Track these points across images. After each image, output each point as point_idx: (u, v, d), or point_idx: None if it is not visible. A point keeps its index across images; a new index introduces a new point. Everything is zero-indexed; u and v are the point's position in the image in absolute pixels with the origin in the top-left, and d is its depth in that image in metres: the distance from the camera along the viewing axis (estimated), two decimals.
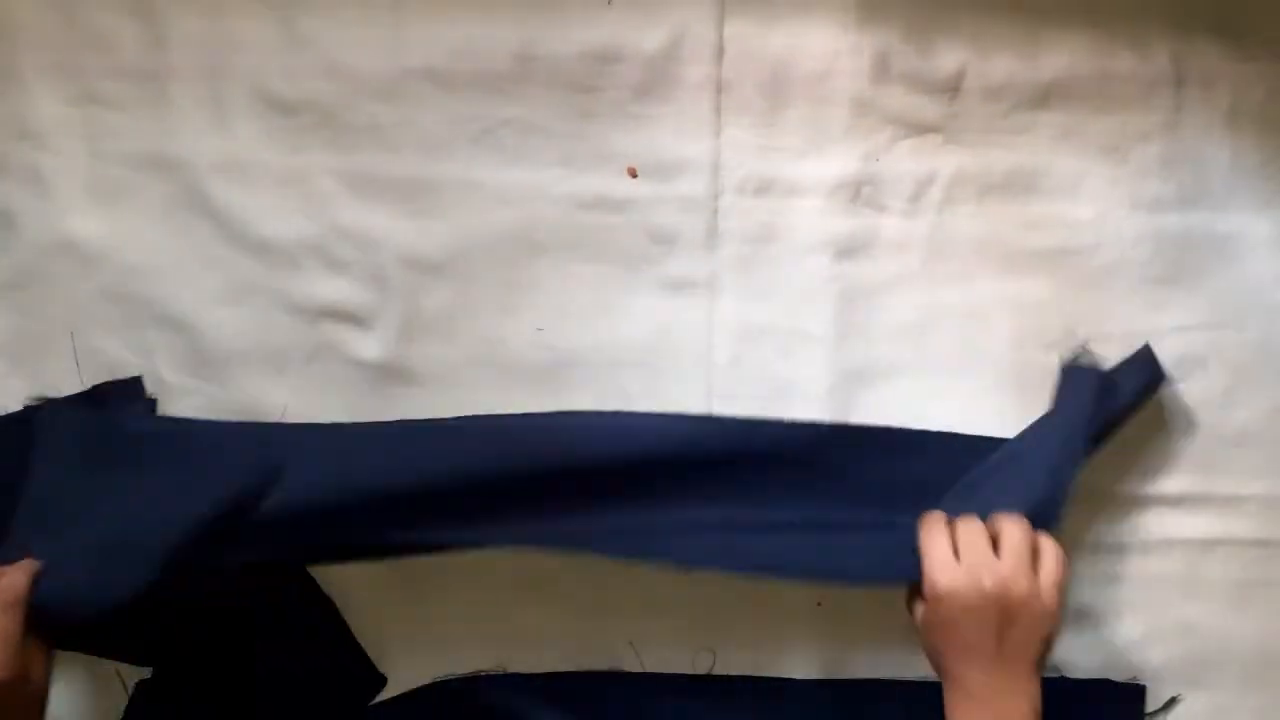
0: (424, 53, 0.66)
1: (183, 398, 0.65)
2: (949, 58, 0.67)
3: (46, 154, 0.66)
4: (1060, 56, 0.68)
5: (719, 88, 0.67)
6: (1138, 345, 0.68)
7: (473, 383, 0.66)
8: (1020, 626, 0.53)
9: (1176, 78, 0.68)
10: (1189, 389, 0.68)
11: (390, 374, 0.66)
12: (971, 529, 0.56)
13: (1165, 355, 0.68)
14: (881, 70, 0.67)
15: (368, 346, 0.66)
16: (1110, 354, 0.67)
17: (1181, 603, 0.67)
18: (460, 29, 0.66)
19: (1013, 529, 0.55)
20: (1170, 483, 0.67)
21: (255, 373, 0.66)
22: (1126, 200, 0.68)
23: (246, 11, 0.66)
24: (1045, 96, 0.68)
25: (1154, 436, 0.68)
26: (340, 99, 0.66)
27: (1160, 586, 0.67)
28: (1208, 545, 0.67)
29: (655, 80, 0.66)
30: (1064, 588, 0.55)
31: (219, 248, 0.66)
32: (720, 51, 0.67)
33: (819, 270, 0.67)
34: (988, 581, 0.53)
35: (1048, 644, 0.54)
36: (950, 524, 0.57)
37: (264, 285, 0.66)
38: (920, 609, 0.56)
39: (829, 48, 0.67)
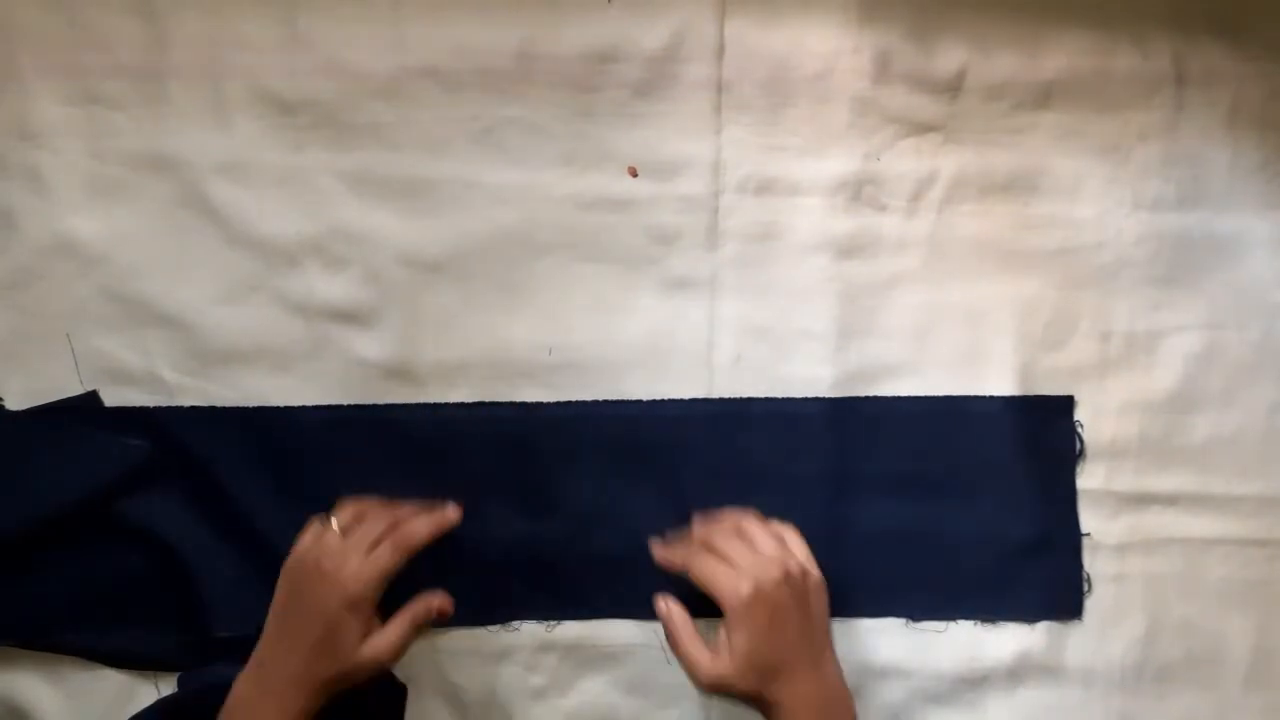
0: (424, 52, 0.66)
1: (183, 397, 0.65)
2: (950, 57, 0.67)
3: (46, 154, 0.65)
4: (1061, 56, 0.68)
5: (719, 87, 0.67)
6: (1138, 345, 0.68)
7: (473, 382, 0.66)
8: (815, 609, 0.57)
9: (1177, 77, 0.68)
10: (1189, 389, 0.68)
11: (390, 373, 0.66)
12: (730, 542, 0.58)
13: (1166, 355, 0.68)
14: (882, 69, 0.67)
15: (368, 346, 0.66)
16: (1111, 353, 0.68)
17: (1181, 603, 0.67)
18: (460, 29, 0.66)
19: (752, 527, 0.59)
20: (1170, 482, 0.68)
21: (255, 372, 0.66)
22: (1127, 200, 0.68)
23: (246, 11, 0.66)
24: (1046, 96, 0.68)
25: (1154, 436, 0.68)
26: (340, 98, 0.66)
27: (1160, 586, 0.67)
28: (1207, 545, 0.67)
29: (656, 80, 0.66)
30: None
31: (219, 248, 0.66)
32: (721, 50, 0.66)
33: (819, 270, 0.67)
34: (775, 571, 0.56)
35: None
36: (704, 543, 0.59)
37: (264, 285, 0.66)
38: (725, 645, 0.56)
39: (830, 47, 0.67)
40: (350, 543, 0.57)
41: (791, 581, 0.56)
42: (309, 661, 0.56)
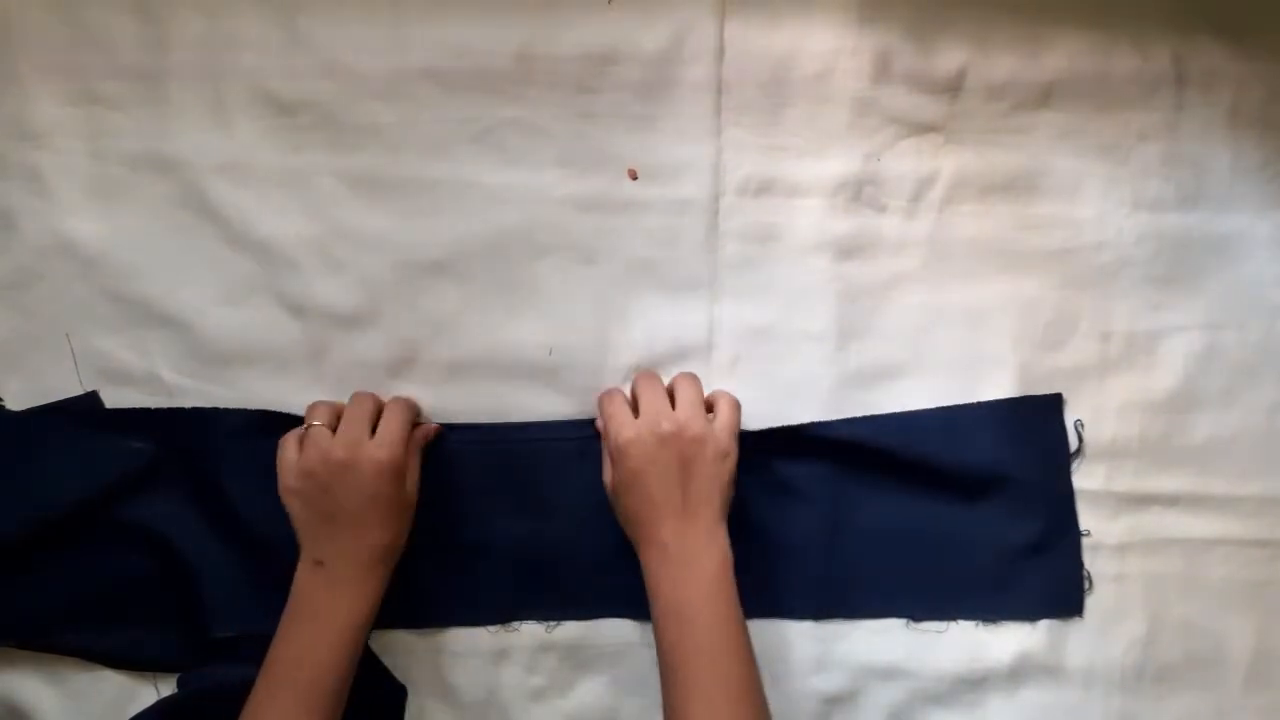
0: (424, 53, 0.66)
1: (182, 398, 0.65)
2: (950, 57, 0.67)
3: (46, 154, 0.65)
4: (1061, 56, 0.68)
5: (719, 88, 0.67)
6: (1138, 345, 0.68)
7: (473, 382, 0.66)
8: (700, 471, 0.57)
9: (1177, 77, 0.68)
10: (1189, 389, 0.68)
11: (390, 374, 0.66)
12: (649, 386, 0.59)
13: (1166, 355, 0.68)
14: (882, 70, 0.67)
15: (368, 346, 0.66)
16: (1111, 353, 0.68)
17: (1182, 603, 0.67)
18: (460, 29, 0.66)
19: (685, 382, 0.60)
20: (1170, 482, 0.68)
21: (255, 373, 0.66)
22: (1127, 200, 0.68)
23: (246, 11, 0.66)
24: (1046, 96, 0.68)
25: (1154, 436, 0.68)
26: (340, 99, 0.66)
27: (1160, 587, 0.67)
28: (1208, 545, 0.67)
29: (655, 81, 0.66)
30: (737, 432, 0.60)
31: (219, 248, 0.66)
32: (721, 52, 0.66)
33: (819, 270, 0.67)
34: (665, 425, 0.57)
35: (728, 490, 0.59)
36: (633, 385, 0.61)
37: (264, 285, 0.66)
38: (610, 476, 0.59)
39: (830, 47, 0.67)
40: (349, 426, 0.59)
41: (675, 441, 0.57)
42: (380, 539, 0.58)
